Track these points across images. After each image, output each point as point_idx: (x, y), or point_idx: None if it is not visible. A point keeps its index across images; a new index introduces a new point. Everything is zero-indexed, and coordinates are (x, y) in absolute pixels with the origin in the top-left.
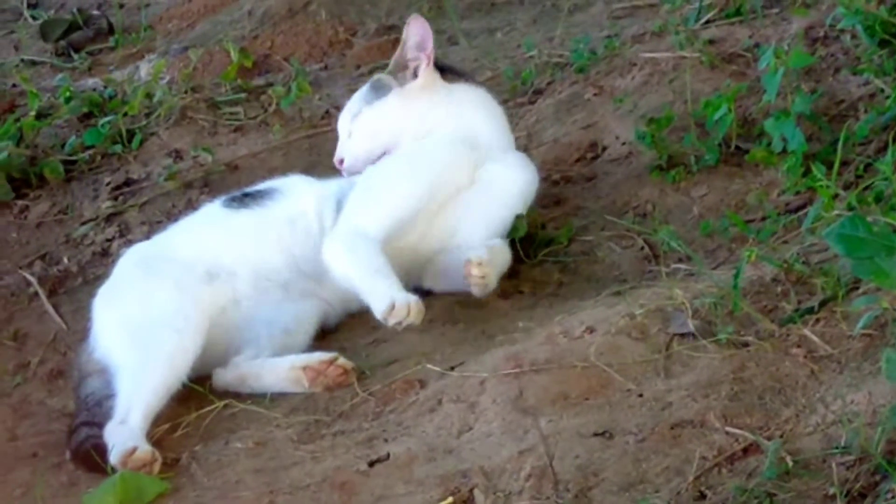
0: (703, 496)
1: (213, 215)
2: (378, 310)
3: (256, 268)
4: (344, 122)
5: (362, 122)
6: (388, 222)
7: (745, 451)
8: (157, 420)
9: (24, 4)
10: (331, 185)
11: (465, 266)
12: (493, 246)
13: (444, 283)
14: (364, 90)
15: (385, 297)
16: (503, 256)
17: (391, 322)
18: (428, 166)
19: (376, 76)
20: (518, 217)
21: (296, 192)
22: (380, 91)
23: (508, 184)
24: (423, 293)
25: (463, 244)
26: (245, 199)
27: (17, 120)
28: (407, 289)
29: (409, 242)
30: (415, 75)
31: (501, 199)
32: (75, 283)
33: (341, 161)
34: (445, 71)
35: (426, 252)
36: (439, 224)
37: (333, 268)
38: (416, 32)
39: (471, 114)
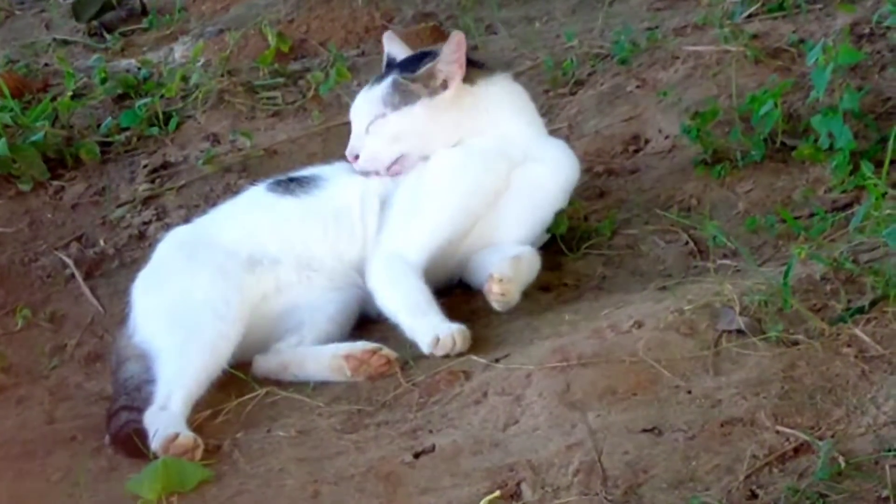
0: (754, 495)
1: (257, 201)
2: (424, 345)
3: (300, 256)
4: (360, 118)
5: (386, 127)
6: (429, 247)
7: (797, 450)
8: (198, 406)
9: None
10: (373, 181)
11: (487, 282)
12: (520, 257)
13: (483, 280)
14: (384, 90)
15: (428, 333)
16: (530, 267)
17: (440, 354)
18: (466, 188)
19: (398, 78)
20: (559, 214)
21: (340, 183)
22: (406, 97)
23: (549, 184)
24: (466, 286)
25: (503, 241)
26: (290, 186)
27: (53, 100)
28: (451, 283)
29: (452, 244)
30: (444, 86)
31: (541, 198)
32: (112, 266)
33: (356, 157)
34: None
35: (468, 251)
36: (480, 226)
37: (378, 298)
38: (456, 49)
39: (501, 116)
